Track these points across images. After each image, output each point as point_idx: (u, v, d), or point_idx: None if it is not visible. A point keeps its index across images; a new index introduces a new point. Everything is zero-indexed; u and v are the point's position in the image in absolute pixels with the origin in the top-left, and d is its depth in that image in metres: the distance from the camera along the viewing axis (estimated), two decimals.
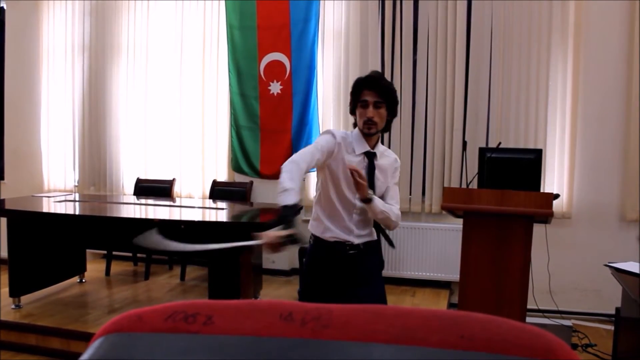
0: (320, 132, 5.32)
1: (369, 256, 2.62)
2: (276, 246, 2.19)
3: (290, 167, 2.30)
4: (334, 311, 0.58)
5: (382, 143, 2.72)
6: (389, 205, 2.54)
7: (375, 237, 2.66)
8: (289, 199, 2.21)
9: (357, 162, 2.50)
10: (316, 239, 2.61)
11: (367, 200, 2.43)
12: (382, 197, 2.57)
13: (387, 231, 2.80)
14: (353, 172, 2.35)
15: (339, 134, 2.52)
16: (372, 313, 0.58)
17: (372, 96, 2.46)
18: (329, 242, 2.56)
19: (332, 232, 2.55)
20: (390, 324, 0.56)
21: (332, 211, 2.54)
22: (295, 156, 2.37)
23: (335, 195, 2.51)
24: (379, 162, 2.55)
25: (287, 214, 2.20)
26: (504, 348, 0.54)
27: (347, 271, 2.56)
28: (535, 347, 0.54)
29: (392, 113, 2.55)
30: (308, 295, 2.66)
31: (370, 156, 2.54)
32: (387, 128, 2.61)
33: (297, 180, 2.28)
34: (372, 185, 2.50)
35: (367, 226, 2.58)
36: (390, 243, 3.03)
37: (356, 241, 2.55)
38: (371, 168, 2.53)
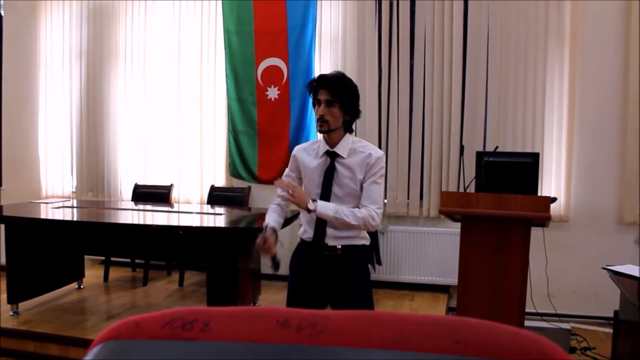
0: (318, 137, 5.33)
1: (350, 260, 2.59)
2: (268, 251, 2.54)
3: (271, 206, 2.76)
4: (330, 317, 0.59)
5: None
6: (349, 209, 2.50)
7: (362, 242, 2.64)
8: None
9: (320, 163, 2.58)
10: (300, 241, 2.69)
11: (308, 211, 2.48)
12: (357, 196, 2.57)
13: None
14: (282, 187, 2.56)
15: (300, 147, 2.70)
16: (368, 319, 0.58)
17: (325, 95, 2.51)
18: (306, 242, 2.63)
19: (308, 233, 2.61)
20: (385, 330, 0.56)
21: (308, 215, 2.59)
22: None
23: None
24: (346, 160, 2.55)
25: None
26: (498, 353, 0.54)
27: (324, 272, 2.59)
28: (530, 352, 0.55)
29: (349, 112, 2.56)
30: (290, 295, 2.70)
31: (332, 156, 2.57)
32: (348, 128, 2.61)
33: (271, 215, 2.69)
34: (328, 184, 2.54)
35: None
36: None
37: (331, 242, 2.56)
38: (330, 168, 2.56)
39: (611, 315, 3.59)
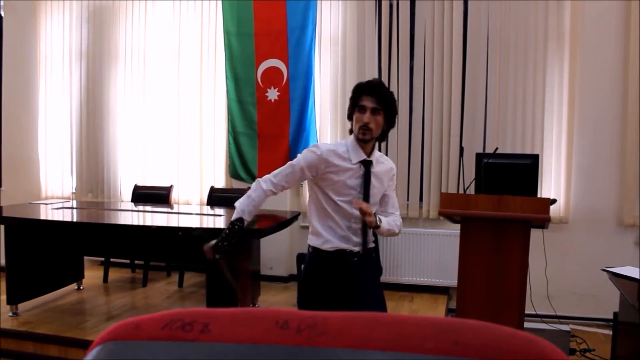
0: (318, 138, 5.34)
1: (367, 262, 2.61)
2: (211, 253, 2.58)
3: (254, 186, 2.67)
4: (329, 319, 0.59)
5: (380, 149, 2.73)
6: (393, 218, 2.61)
7: (374, 244, 2.66)
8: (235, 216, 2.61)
9: (354, 171, 2.50)
10: (315, 250, 2.59)
11: (376, 227, 2.50)
12: (379, 204, 2.60)
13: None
14: (359, 209, 2.43)
15: (325, 148, 2.52)
16: (367, 320, 0.58)
17: (371, 102, 2.44)
18: (329, 252, 2.55)
19: (332, 243, 2.53)
20: (385, 331, 0.56)
21: (329, 223, 2.53)
22: (267, 176, 2.65)
23: (331, 208, 2.51)
24: (375, 169, 2.54)
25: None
26: (497, 354, 0.54)
27: (346, 278, 2.55)
28: (529, 354, 0.55)
29: (389, 122, 2.53)
30: (307, 305, 2.65)
31: (367, 164, 2.52)
32: (383, 137, 2.59)
33: (253, 207, 2.64)
34: (367, 193, 2.51)
35: (365, 234, 2.57)
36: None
37: (356, 249, 2.55)
38: (367, 176, 2.52)
39: (611, 316, 3.59)
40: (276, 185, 2.61)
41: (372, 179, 2.53)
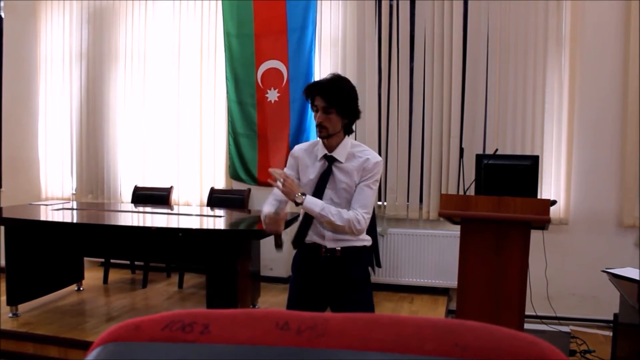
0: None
1: (350, 262, 2.58)
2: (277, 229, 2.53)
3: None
4: (329, 320, 0.59)
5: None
6: (336, 209, 2.48)
7: (363, 243, 2.62)
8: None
9: (317, 166, 2.57)
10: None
11: (296, 204, 2.49)
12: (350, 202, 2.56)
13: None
14: (274, 175, 2.49)
15: (299, 148, 2.68)
16: (368, 322, 0.58)
17: (321, 101, 2.48)
18: (307, 245, 2.62)
19: (309, 236, 2.60)
20: (385, 333, 0.56)
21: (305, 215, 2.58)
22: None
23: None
24: (344, 164, 2.54)
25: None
26: (497, 356, 0.54)
27: (324, 275, 2.58)
28: (529, 355, 0.55)
29: (348, 115, 2.53)
30: (291, 299, 2.70)
31: (329, 160, 2.55)
32: (348, 130, 2.59)
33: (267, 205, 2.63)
34: (322, 187, 2.54)
35: (304, 223, 2.58)
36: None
37: (330, 245, 2.56)
38: (326, 172, 2.55)
39: (611, 318, 3.59)
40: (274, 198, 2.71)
41: (338, 173, 2.53)
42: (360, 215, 2.48)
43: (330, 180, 2.54)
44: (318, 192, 2.53)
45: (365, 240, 2.63)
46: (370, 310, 2.68)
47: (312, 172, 2.58)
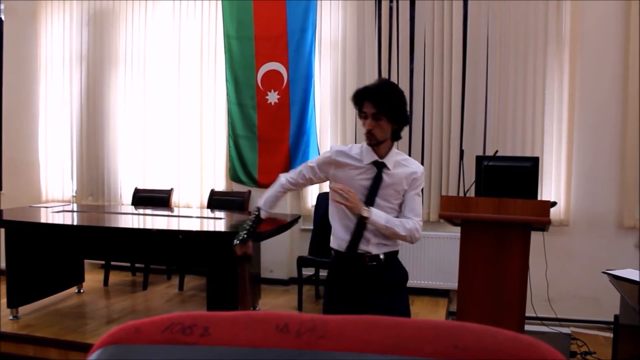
0: (318, 141, 5.36)
1: (391, 267, 2.55)
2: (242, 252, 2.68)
3: (276, 181, 2.71)
4: (329, 322, 0.59)
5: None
6: (398, 219, 2.46)
7: (398, 248, 2.59)
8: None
9: (364, 171, 2.48)
10: (336, 253, 2.57)
11: (362, 219, 2.41)
12: (400, 209, 2.52)
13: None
14: (337, 193, 2.40)
15: (336, 149, 2.56)
16: (367, 324, 0.58)
17: (371, 108, 2.41)
18: (342, 253, 2.52)
19: (345, 243, 2.51)
20: (384, 335, 0.56)
21: (346, 223, 2.50)
22: (289, 172, 2.74)
23: (346, 208, 2.47)
24: (393, 171, 2.48)
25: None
26: (497, 358, 0.54)
27: (367, 283, 2.50)
28: (529, 357, 0.55)
29: (398, 122, 2.47)
30: (331, 309, 2.61)
31: (379, 166, 2.48)
32: (397, 136, 2.53)
33: (270, 197, 2.69)
34: (374, 195, 2.46)
35: (357, 231, 2.50)
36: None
37: (374, 251, 2.50)
38: (377, 178, 2.47)
39: (611, 319, 3.59)
40: (291, 179, 2.67)
41: (387, 180, 2.47)
42: (417, 223, 2.50)
43: (379, 187, 2.49)
44: (370, 199, 2.47)
45: (399, 244, 2.61)
46: (408, 314, 2.68)
47: (360, 174, 2.49)
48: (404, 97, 2.48)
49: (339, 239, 2.54)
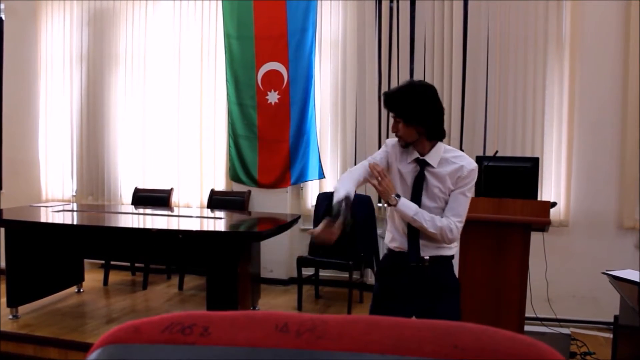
0: (318, 141, 5.37)
1: (439, 271, 2.50)
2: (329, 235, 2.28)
3: (342, 177, 2.52)
4: (328, 322, 0.59)
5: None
6: (430, 215, 2.40)
7: (452, 252, 2.54)
8: (336, 197, 2.34)
9: (409, 168, 2.48)
10: (388, 249, 2.58)
11: (388, 204, 2.40)
12: (442, 207, 2.46)
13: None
14: (373, 171, 2.38)
15: (391, 142, 2.55)
16: (367, 324, 0.58)
17: (392, 113, 2.46)
18: (394, 252, 2.52)
19: (397, 242, 2.50)
20: (384, 335, 0.56)
21: (396, 220, 2.50)
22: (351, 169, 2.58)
23: (377, 191, 2.47)
24: (437, 169, 2.43)
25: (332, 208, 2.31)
26: (497, 358, 0.54)
27: (411, 282, 2.47)
28: (527, 357, 0.55)
29: (421, 122, 2.41)
30: (376, 303, 2.60)
31: (422, 164, 2.46)
32: (433, 135, 2.44)
33: (346, 185, 2.38)
34: (418, 193, 2.44)
35: (413, 236, 2.46)
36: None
37: (419, 252, 2.46)
38: (420, 176, 2.45)
39: (611, 320, 3.59)
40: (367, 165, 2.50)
41: (430, 178, 2.44)
42: (453, 224, 2.41)
43: (423, 185, 2.46)
44: (415, 197, 2.44)
45: (454, 248, 2.55)
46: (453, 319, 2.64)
47: (402, 173, 2.48)
48: (422, 98, 2.40)
49: (391, 237, 2.55)
